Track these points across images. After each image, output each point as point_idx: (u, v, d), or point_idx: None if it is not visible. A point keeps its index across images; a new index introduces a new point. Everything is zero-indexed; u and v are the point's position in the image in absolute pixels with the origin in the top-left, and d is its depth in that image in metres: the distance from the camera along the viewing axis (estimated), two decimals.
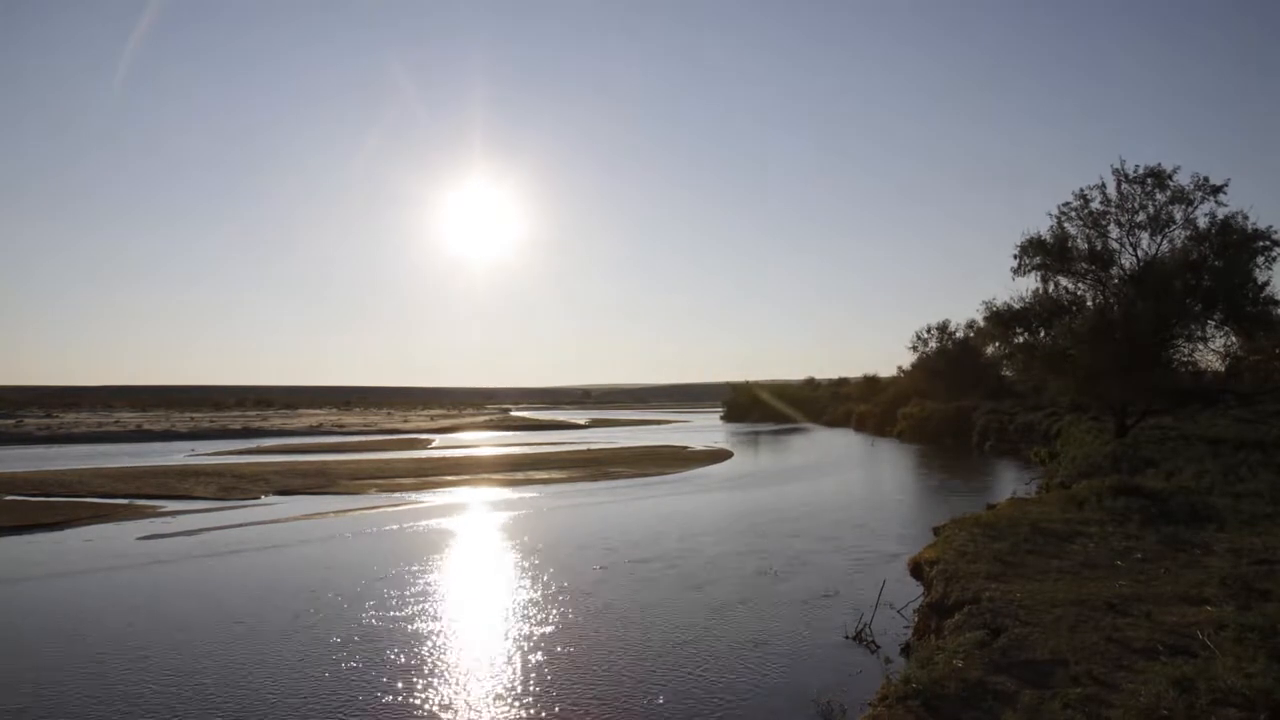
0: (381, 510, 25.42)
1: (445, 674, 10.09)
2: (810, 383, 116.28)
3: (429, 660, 10.61)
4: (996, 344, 31.74)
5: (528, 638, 11.64)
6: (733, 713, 8.84)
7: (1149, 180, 25.88)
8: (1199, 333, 26.13)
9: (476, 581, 15.81)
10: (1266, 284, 24.82)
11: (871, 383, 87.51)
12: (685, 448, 54.35)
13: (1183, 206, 25.65)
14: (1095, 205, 26.72)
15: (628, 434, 77.73)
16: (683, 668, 10.23)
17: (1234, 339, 26.53)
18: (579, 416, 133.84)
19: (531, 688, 9.57)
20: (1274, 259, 24.92)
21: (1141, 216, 26.28)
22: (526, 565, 16.93)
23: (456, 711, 8.92)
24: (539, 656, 10.74)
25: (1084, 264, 27.13)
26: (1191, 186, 25.45)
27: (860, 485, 32.32)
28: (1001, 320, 28.77)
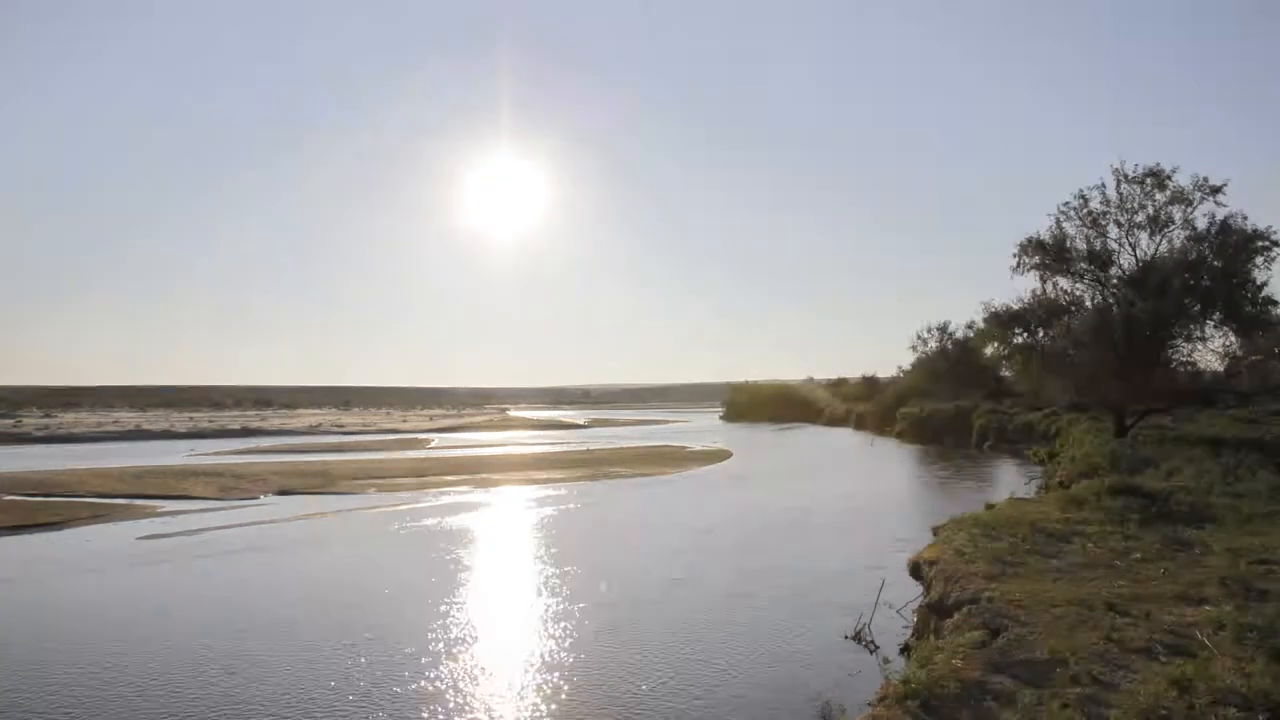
0: (381, 510, 25.43)
1: (445, 670, 10.08)
2: (810, 383, 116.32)
3: (430, 657, 10.61)
4: (996, 344, 31.77)
5: (525, 640, 11.65)
6: (732, 712, 8.84)
7: (1148, 180, 25.92)
8: (1198, 333, 26.15)
9: (474, 581, 15.79)
10: (1265, 284, 24.87)
11: (871, 383, 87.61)
12: (685, 448, 54.35)
13: (1182, 207, 25.69)
14: (1095, 205, 26.77)
15: (627, 434, 77.71)
16: (681, 667, 10.23)
17: (1233, 339, 26.55)
18: (578, 416, 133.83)
19: (530, 686, 9.58)
20: (1272, 259, 24.97)
21: (1141, 217, 26.33)
22: (524, 565, 16.96)
23: (462, 707, 8.91)
24: (536, 656, 10.74)
25: (1083, 264, 27.17)
26: (1191, 187, 25.50)
27: (859, 485, 32.32)
28: (1001, 321, 28.82)
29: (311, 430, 78.75)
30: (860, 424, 76.76)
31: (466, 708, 9.01)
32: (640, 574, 15.80)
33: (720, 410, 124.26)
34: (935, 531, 13.96)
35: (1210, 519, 12.93)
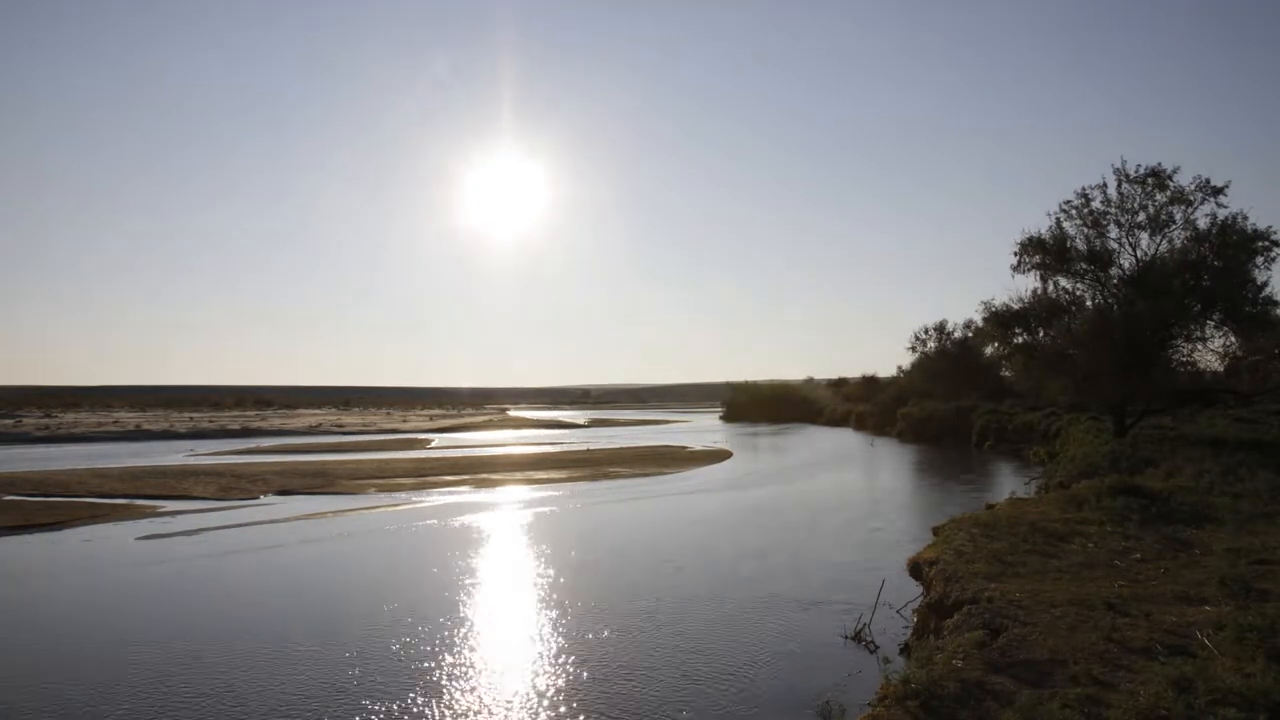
0: (381, 510, 25.42)
1: (445, 669, 10.08)
2: (810, 383, 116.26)
3: (431, 657, 10.61)
4: (996, 344, 31.78)
5: (522, 640, 11.64)
6: (731, 712, 8.84)
7: (1149, 180, 25.96)
8: (1198, 333, 26.18)
9: (475, 582, 15.79)
10: (1265, 284, 24.90)
11: (871, 382, 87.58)
12: (685, 448, 54.33)
13: (1182, 207, 25.72)
14: (1096, 205, 26.80)
15: (627, 434, 77.68)
16: (680, 668, 10.22)
17: (1233, 339, 26.57)
18: (578, 416, 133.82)
19: (528, 688, 9.57)
20: (1273, 259, 25.00)
21: (1141, 217, 26.37)
22: (524, 565, 16.94)
23: (457, 706, 8.91)
24: (533, 658, 10.74)
25: (1083, 264, 27.19)
26: (1192, 187, 25.52)
27: (859, 485, 32.32)
28: (1001, 321, 28.84)
29: (311, 430, 78.71)
30: (860, 424, 76.72)
31: (464, 707, 9.00)
32: (639, 574, 15.79)
33: (720, 410, 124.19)
34: (935, 531, 13.96)
35: (1210, 519, 12.94)
